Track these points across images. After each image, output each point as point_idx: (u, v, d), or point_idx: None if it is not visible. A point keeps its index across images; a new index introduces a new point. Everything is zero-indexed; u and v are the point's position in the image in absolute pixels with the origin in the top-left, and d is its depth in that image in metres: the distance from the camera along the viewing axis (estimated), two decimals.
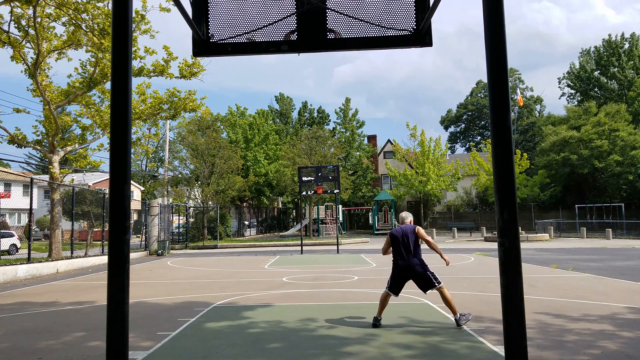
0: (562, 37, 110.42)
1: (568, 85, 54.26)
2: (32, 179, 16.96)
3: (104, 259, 18.38)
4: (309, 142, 36.82)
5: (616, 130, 38.90)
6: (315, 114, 51.99)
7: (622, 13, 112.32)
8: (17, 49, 16.51)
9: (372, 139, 50.87)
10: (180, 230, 30.64)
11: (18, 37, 16.52)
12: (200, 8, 3.35)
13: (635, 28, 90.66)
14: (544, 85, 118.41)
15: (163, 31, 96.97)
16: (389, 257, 7.03)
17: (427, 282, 6.61)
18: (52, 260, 16.31)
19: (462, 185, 46.47)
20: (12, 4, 14.90)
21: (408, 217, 7.03)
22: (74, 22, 16.47)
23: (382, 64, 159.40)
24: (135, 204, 39.67)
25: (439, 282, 6.62)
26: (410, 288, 10.18)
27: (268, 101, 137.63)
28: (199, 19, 3.33)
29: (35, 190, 33.15)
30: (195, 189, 33.60)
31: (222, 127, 39.23)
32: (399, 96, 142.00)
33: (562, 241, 28.28)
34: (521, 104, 35.02)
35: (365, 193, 46.31)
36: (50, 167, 18.70)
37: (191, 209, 33.01)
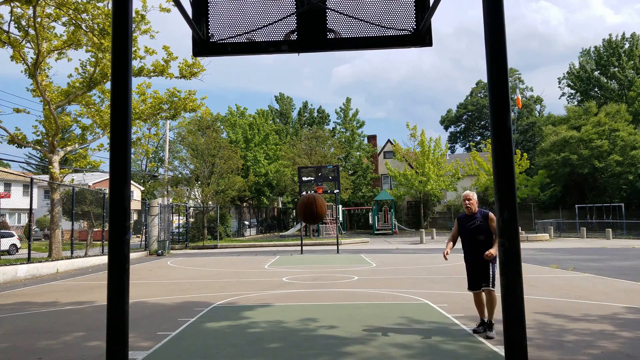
0: (561, 37, 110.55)
1: (568, 85, 54.29)
2: (32, 179, 16.96)
3: (104, 259, 18.38)
4: (309, 142, 36.84)
5: (616, 130, 38.90)
6: (315, 114, 52.00)
7: (620, 13, 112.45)
8: (17, 49, 16.51)
9: (372, 139, 50.87)
10: (180, 230, 30.63)
11: (18, 37, 16.52)
12: (200, 8, 3.35)
13: (633, 28, 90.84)
14: (543, 85, 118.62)
15: (163, 31, 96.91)
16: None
17: None
18: (52, 260, 16.31)
19: (462, 185, 46.43)
20: (12, 4, 14.90)
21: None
22: (74, 22, 16.48)
23: (380, 64, 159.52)
24: (135, 204, 39.66)
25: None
26: (409, 287, 10.21)
27: (267, 101, 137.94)
28: (199, 19, 3.33)
29: (35, 190, 33.16)
30: (195, 189, 33.60)
31: (222, 127, 39.23)
32: (397, 96, 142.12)
33: (562, 241, 28.28)
34: (519, 106, 35.01)
35: (365, 193, 46.31)
36: (50, 167, 18.70)
37: (191, 209, 33.00)
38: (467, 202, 6.24)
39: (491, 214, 6.05)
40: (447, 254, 6.42)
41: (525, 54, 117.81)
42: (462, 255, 6.41)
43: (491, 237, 6.05)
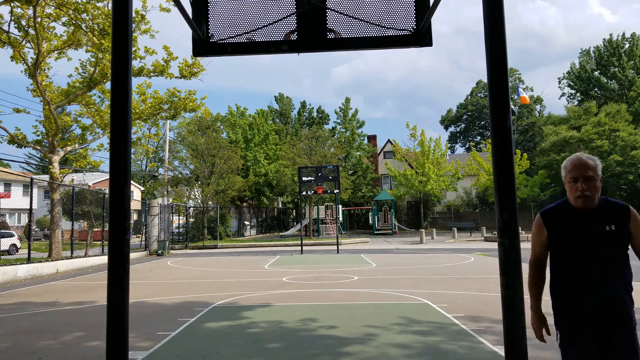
0: (559, 37, 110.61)
1: (568, 85, 54.31)
2: (32, 179, 16.97)
3: (104, 259, 18.38)
4: (309, 142, 36.84)
5: (616, 131, 38.93)
6: (315, 114, 52.01)
7: (617, 13, 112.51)
8: (17, 49, 16.51)
9: (372, 139, 50.86)
10: (180, 230, 30.63)
11: (18, 37, 16.52)
12: (200, 8, 3.34)
13: (631, 28, 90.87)
14: (541, 85, 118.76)
15: (163, 31, 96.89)
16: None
17: None
18: (52, 260, 16.31)
19: (462, 185, 46.47)
20: (12, 4, 14.90)
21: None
22: (74, 22, 16.48)
23: (379, 64, 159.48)
24: (135, 204, 39.65)
25: None
26: (409, 287, 10.21)
27: (265, 101, 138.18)
28: (199, 19, 3.33)
29: (35, 190, 33.15)
30: (195, 189, 33.60)
31: (222, 127, 39.24)
32: (395, 96, 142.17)
33: None
34: (528, 102, 34.93)
35: (365, 193, 46.31)
36: (50, 167, 18.70)
37: (191, 209, 32.99)
38: (583, 184, 2.62)
39: (634, 211, 2.68)
40: (543, 330, 2.75)
41: (522, 53, 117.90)
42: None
43: (624, 254, 2.63)
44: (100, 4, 16.12)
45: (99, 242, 21.05)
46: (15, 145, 18.83)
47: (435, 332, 6.26)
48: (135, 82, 19.88)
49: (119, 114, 2.44)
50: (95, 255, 18.88)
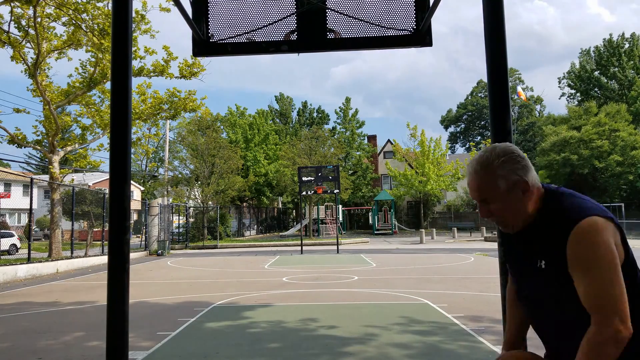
0: (558, 36, 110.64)
1: (568, 85, 54.30)
2: (32, 179, 16.99)
3: (104, 259, 18.38)
4: (309, 142, 36.85)
5: (616, 131, 38.94)
6: (315, 114, 52.03)
7: (615, 13, 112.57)
8: (17, 49, 16.51)
9: (372, 139, 50.87)
10: (180, 230, 30.63)
11: (18, 37, 16.52)
12: (200, 8, 3.34)
13: (630, 27, 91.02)
14: (540, 85, 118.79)
15: (163, 31, 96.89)
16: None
17: None
18: (52, 260, 16.31)
19: (462, 185, 46.45)
20: (12, 4, 14.90)
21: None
22: (74, 22, 16.48)
23: (378, 64, 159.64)
24: (135, 204, 39.63)
25: None
26: (409, 287, 10.20)
27: (265, 101, 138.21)
28: (199, 19, 3.33)
29: (35, 190, 33.12)
30: (195, 189, 33.60)
31: (222, 127, 39.25)
32: (395, 96, 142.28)
33: None
34: (525, 99, 35.12)
35: (365, 193, 46.31)
36: (50, 167, 18.70)
37: (191, 209, 32.99)
38: (482, 210, 1.69)
39: (578, 231, 1.47)
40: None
41: (521, 53, 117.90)
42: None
43: (575, 312, 1.48)
44: (100, 4, 16.13)
45: (99, 242, 21.04)
46: (15, 145, 18.82)
47: (435, 332, 6.26)
48: (135, 82, 19.88)
49: (119, 114, 2.44)
50: (95, 255, 18.87)
